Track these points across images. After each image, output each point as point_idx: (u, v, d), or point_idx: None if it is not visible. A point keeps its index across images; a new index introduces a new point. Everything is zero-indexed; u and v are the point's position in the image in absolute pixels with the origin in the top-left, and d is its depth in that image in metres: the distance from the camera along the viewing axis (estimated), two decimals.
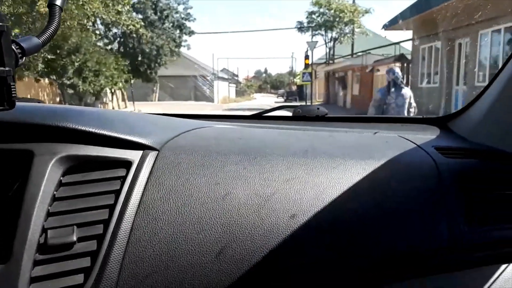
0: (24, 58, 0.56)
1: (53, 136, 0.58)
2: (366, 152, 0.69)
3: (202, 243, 0.54)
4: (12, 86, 0.53)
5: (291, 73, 62.43)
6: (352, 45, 21.97)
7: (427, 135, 0.85)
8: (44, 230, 0.52)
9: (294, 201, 0.58)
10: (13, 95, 0.53)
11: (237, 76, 59.17)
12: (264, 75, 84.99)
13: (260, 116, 1.15)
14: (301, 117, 1.12)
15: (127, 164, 0.59)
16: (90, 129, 0.60)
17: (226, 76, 39.36)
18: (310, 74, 18.22)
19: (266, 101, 39.38)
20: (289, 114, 1.19)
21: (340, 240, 0.57)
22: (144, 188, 0.57)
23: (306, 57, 18.35)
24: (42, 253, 0.51)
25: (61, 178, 0.57)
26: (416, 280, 0.61)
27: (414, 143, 0.75)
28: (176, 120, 0.88)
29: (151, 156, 0.61)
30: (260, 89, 76.12)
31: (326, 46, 22.99)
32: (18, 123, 0.59)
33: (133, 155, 0.60)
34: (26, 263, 0.50)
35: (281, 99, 44.03)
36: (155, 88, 28.98)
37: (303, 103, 17.87)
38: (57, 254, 0.51)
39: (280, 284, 0.55)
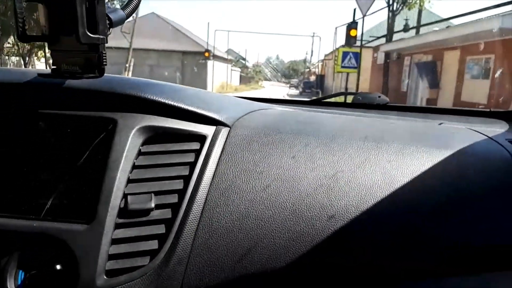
0: (111, 29, 0.58)
1: (135, 107, 0.61)
2: (435, 141, 0.67)
3: (272, 220, 0.55)
4: (103, 54, 0.59)
5: (306, 61, 54.32)
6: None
7: (496, 128, 0.81)
8: (124, 196, 0.55)
9: (364, 185, 0.57)
10: (104, 63, 0.59)
11: (244, 59, 51.33)
12: (276, 62, 76.76)
13: (319, 102, 1.16)
14: (362, 104, 1.12)
15: (201, 138, 0.61)
16: (169, 102, 0.62)
17: (228, 57, 31.47)
18: (358, 55, 10.48)
19: (276, 92, 31.69)
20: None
21: (406, 229, 0.55)
22: (218, 162, 0.59)
23: (351, 26, 10.51)
24: (122, 217, 0.54)
25: (140, 147, 0.59)
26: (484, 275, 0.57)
27: (485, 135, 0.72)
28: (241, 100, 0.87)
29: (224, 132, 0.63)
30: (271, 77, 68.29)
31: (389, 10, 13.01)
32: (104, 92, 0.61)
33: (207, 130, 0.62)
34: (109, 225, 0.53)
35: (294, 91, 36.04)
36: (127, 65, 21.10)
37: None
38: (136, 219, 0.54)
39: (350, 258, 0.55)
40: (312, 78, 38.70)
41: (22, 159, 0.57)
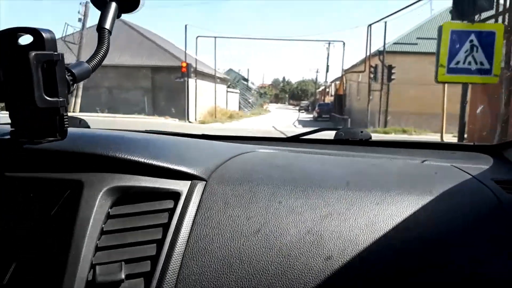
0: (74, 85, 0.56)
1: (102, 166, 0.58)
2: (419, 183, 0.66)
3: (266, 264, 0.53)
4: (64, 117, 0.56)
5: (316, 81, 48.03)
6: None
7: (480, 164, 0.81)
8: (92, 266, 0.51)
9: (330, 239, 0.55)
10: (65, 125, 0.56)
11: (246, 80, 45.29)
12: (281, 84, 70.86)
13: (297, 139, 1.14)
14: (344, 140, 1.11)
15: (175, 195, 0.58)
16: (139, 159, 0.59)
17: (223, 77, 25.21)
18: (493, 36, 3.89)
19: (283, 117, 25.21)
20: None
21: (399, 271, 0.54)
22: (193, 222, 0.56)
23: None
24: None
25: (109, 209, 0.56)
26: None
27: (469, 173, 0.72)
28: (216, 144, 0.87)
29: (200, 187, 0.60)
30: (277, 99, 62.31)
31: None
32: (68, 151, 0.59)
33: (181, 186, 0.59)
34: None
35: (306, 116, 29.52)
36: (73, 89, 14.65)
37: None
38: None
39: None
40: (328, 99, 32.16)
41: None
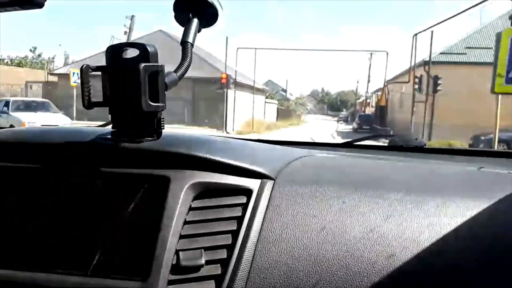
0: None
1: (185, 164, 0.64)
2: (473, 188, 0.68)
3: (330, 260, 0.55)
4: (162, 120, 0.64)
5: (357, 92, 47.14)
6: None
7: None
8: (176, 252, 0.56)
9: (393, 238, 0.57)
10: (162, 127, 0.64)
11: (285, 91, 45.30)
12: (320, 94, 70.19)
13: (351, 145, 1.16)
14: (398, 147, 1.11)
15: (247, 192, 0.63)
16: (217, 158, 0.65)
17: (262, 88, 25.36)
18: None
19: (321, 129, 24.84)
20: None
21: (459, 273, 0.55)
22: (264, 215, 0.60)
23: None
24: (175, 274, 0.55)
25: (191, 203, 0.61)
26: None
27: None
28: (277, 147, 0.91)
29: (269, 185, 0.65)
30: (315, 109, 61.66)
31: None
32: (157, 151, 0.65)
33: (253, 184, 0.64)
34: (163, 282, 0.54)
35: (345, 127, 29.06)
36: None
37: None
38: (187, 275, 0.55)
39: None
40: (369, 110, 31.41)
41: (74, 214, 0.61)
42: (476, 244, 0.56)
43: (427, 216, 0.59)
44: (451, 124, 12.68)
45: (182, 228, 0.58)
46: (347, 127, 27.72)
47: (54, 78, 20.78)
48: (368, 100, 34.42)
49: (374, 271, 0.54)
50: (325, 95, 70.16)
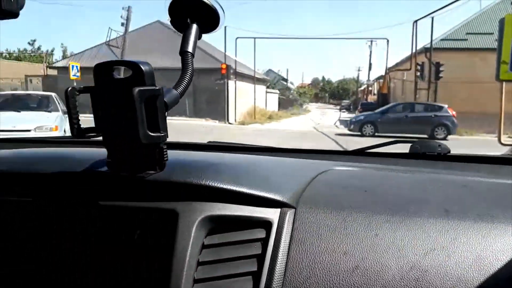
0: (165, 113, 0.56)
1: (194, 195, 0.58)
2: None
3: None
4: (164, 150, 0.56)
5: (358, 80, 46.77)
6: None
7: None
8: None
9: (436, 276, 0.51)
10: (165, 158, 0.56)
11: (285, 80, 44.97)
12: (321, 83, 69.72)
13: (363, 152, 1.06)
14: (420, 155, 1.00)
15: (266, 224, 0.57)
16: (230, 187, 0.59)
17: (262, 77, 25.16)
18: None
19: (324, 117, 24.71)
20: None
21: None
22: (288, 252, 0.54)
23: None
24: None
25: (204, 239, 0.56)
26: None
27: None
28: (288, 161, 0.85)
29: (290, 215, 0.58)
30: (316, 98, 61.38)
31: None
32: (162, 182, 0.59)
33: (272, 214, 0.58)
34: None
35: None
36: None
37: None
38: None
39: None
40: (371, 98, 31.16)
41: (75, 251, 0.57)
42: None
43: (473, 249, 0.53)
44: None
45: (195, 271, 0.52)
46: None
47: (53, 72, 20.69)
48: (370, 88, 34.19)
49: None
50: (326, 83, 69.69)
